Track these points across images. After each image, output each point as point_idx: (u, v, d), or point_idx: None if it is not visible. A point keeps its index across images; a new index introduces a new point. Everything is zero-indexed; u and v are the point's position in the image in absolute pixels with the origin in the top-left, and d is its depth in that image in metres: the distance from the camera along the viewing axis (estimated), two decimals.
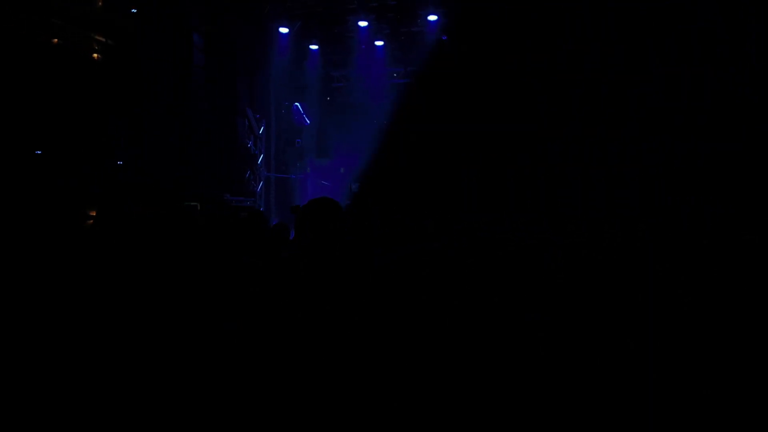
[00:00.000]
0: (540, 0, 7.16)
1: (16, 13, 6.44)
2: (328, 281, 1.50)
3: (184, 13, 8.94)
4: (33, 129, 6.78)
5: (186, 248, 2.46)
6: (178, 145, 8.85)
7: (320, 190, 11.26)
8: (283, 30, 10.78)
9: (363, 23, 10.51)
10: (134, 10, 8.16)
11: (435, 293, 1.27)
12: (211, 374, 1.58)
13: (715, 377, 1.50)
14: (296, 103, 11.93)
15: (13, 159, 6.43)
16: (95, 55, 7.14)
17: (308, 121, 12.12)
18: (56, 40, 7.26)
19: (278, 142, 12.09)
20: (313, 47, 11.61)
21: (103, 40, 7.24)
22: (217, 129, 9.84)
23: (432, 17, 10.20)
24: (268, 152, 11.73)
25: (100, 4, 7.18)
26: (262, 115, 11.36)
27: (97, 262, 2.63)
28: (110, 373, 1.73)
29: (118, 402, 1.64)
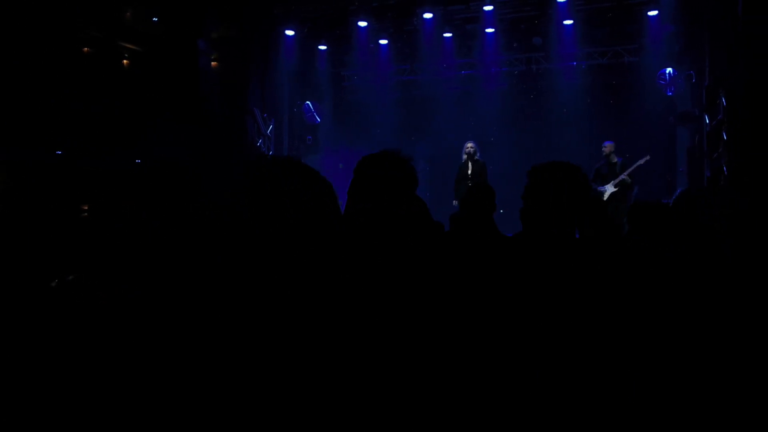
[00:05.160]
0: None
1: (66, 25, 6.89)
2: (326, 279, 1.48)
3: (192, 19, 9.40)
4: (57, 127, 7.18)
5: (181, 248, 2.41)
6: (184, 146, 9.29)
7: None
8: (289, 32, 11.25)
9: (362, 23, 10.99)
10: (155, 19, 8.84)
11: (435, 293, 1.28)
12: (209, 374, 1.55)
13: (715, 377, 1.54)
14: (307, 102, 12.42)
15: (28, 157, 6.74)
16: (125, 61, 7.83)
17: (318, 119, 12.56)
18: (87, 49, 8.00)
19: (291, 140, 12.59)
20: (322, 47, 12.11)
21: (134, 47, 7.88)
22: (227, 128, 10.26)
23: (427, 15, 10.70)
24: (281, 150, 12.14)
25: (128, 15, 7.88)
26: (273, 114, 11.75)
27: (96, 260, 2.64)
28: (106, 373, 1.69)
29: (116, 401, 1.61)
